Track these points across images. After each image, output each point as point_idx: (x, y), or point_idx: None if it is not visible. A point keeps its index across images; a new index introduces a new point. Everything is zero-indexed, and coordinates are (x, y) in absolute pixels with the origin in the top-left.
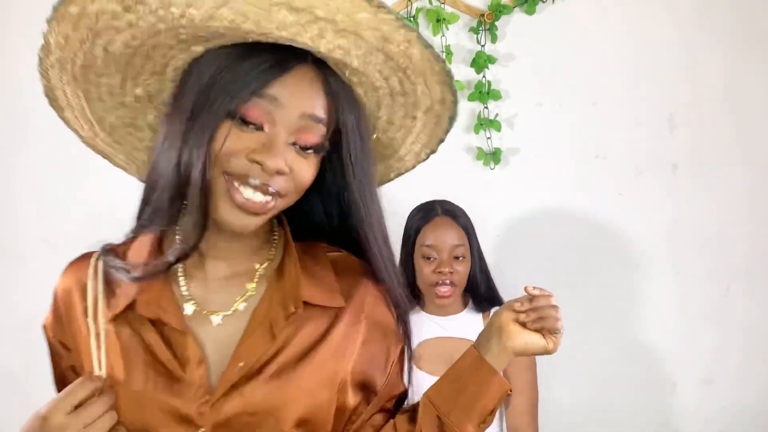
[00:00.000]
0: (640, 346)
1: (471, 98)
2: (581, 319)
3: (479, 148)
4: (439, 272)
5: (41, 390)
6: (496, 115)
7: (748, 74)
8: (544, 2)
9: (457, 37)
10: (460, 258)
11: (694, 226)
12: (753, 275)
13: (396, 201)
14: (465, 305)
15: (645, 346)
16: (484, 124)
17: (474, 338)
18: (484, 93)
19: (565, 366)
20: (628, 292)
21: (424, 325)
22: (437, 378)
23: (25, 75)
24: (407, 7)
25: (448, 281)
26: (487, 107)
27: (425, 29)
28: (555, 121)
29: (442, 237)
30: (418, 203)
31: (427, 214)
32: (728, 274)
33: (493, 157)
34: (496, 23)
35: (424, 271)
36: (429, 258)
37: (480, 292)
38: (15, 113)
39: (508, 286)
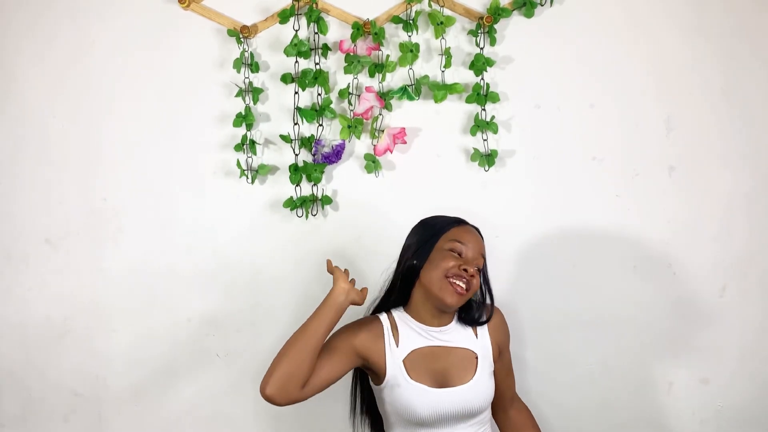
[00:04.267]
0: (636, 346)
1: (469, 100)
2: (577, 319)
3: (476, 149)
4: (465, 269)
5: (42, 388)
6: (492, 117)
7: (744, 77)
8: (542, 5)
9: (456, 40)
10: (480, 270)
11: (690, 227)
12: (748, 276)
13: (391, 201)
14: (452, 318)
15: (641, 346)
16: (481, 126)
17: (467, 345)
18: (482, 95)
19: (561, 366)
20: (625, 293)
21: (413, 334)
22: (432, 389)
23: (26, 76)
24: (407, 9)
25: (465, 279)
26: (484, 109)
27: (424, 32)
28: (553, 124)
29: (474, 241)
30: (415, 203)
31: (459, 221)
32: (724, 274)
33: (488, 159)
34: (495, 26)
35: (449, 263)
36: (456, 252)
37: (472, 312)
38: (16, 114)
39: (506, 287)
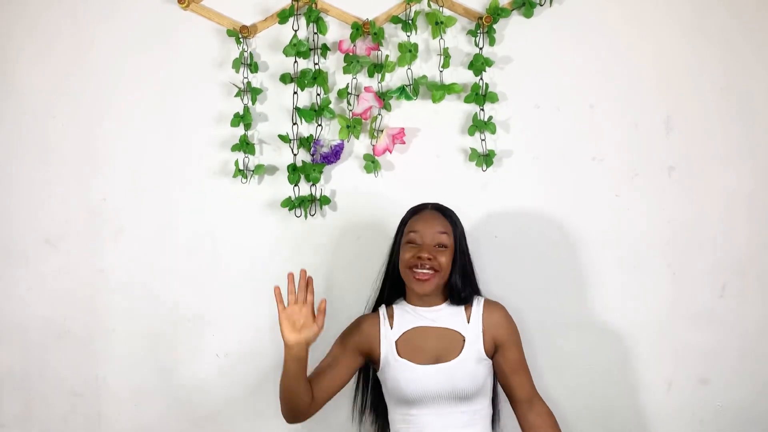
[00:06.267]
0: (636, 346)
1: (468, 100)
2: (577, 319)
3: (473, 149)
4: (419, 257)
5: (42, 388)
6: (490, 117)
7: (744, 77)
8: (541, 5)
9: (456, 40)
10: (443, 247)
11: (689, 227)
12: (748, 275)
13: (391, 200)
14: (445, 299)
15: (640, 346)
16: (479, 126)
17: (456, 328)
18: (480, 95)
19: (560, 366)
20: (625, 293)
21: (407, 316)
22: (418, 365)
23: (26, 76)
24: (406, 9)
25: (427, 266)
26: (482, 109)
27: (424, 32)
28: (552, 124)
29: (427, 224)
30: (413, 203)
31: (418, 209)
32: (724, 274)
33: (485, 159)
34: (494, 26)
35: (406, 256)
36: (413, 243)
37: (457, 288)
38: (16, 114)
39: (504, 288)
